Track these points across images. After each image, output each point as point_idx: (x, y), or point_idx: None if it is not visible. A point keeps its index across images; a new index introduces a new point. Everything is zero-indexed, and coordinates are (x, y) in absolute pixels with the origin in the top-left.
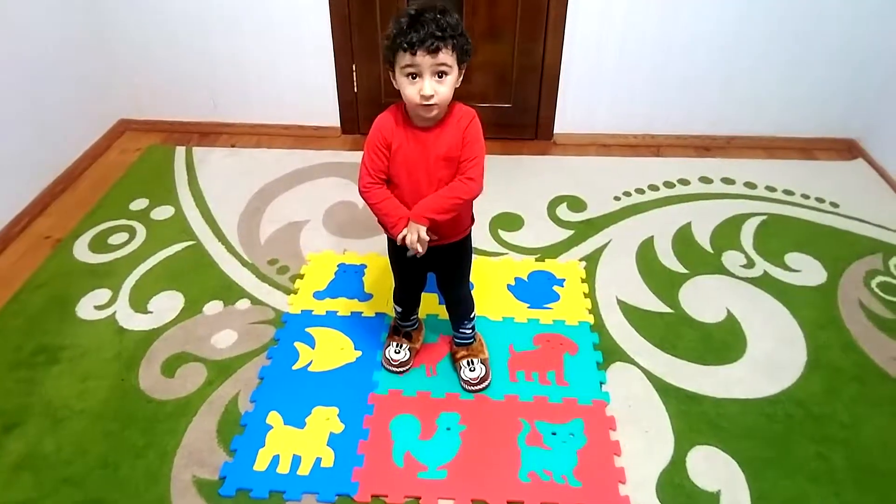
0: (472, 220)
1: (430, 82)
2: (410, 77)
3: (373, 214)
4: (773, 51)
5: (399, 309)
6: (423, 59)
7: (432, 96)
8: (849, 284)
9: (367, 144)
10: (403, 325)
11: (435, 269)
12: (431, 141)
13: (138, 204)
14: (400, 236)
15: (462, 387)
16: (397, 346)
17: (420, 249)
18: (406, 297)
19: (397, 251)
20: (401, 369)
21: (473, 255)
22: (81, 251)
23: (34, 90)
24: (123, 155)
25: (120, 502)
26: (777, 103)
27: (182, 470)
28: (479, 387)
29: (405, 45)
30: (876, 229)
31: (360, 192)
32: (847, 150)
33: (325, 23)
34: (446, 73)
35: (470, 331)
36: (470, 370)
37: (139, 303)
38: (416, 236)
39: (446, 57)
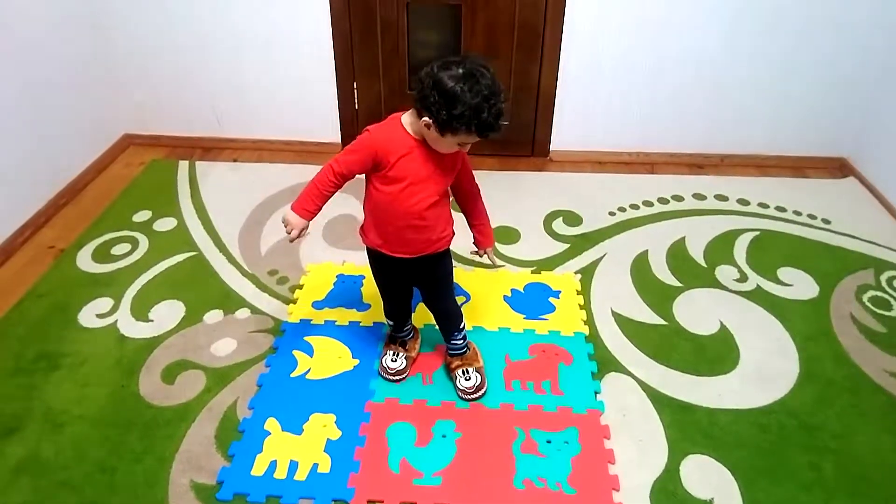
0: (453, 233)
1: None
2: (459, 143)
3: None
4: (764, 71)
5: (391, 322)
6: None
7: None
8: (841, 298)
9: (357, 144)
10: (399, 335)
11: (418, 284)
12: (437, 157)
13: (141, 216)
14: (292, 217)
15: (458, 395)
16: (394, 354)
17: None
18: (395, 310)
19: (380, 267)
20: (397, 377)
21: (470, 268)
22: (84, 261)
23: (40, 104)
24: (127, 168)
25: None
26: (769, 122)
27: (180, 475)
28: (474, 395)
29: (476, 130)
30: (867, 245)
31: (329, 167)
32: (838, 168)
33: (328, 41)
34: None
35: (461, 341)
36: (465, 379)
37: (140, 311)
38: (295, 232)
39: None
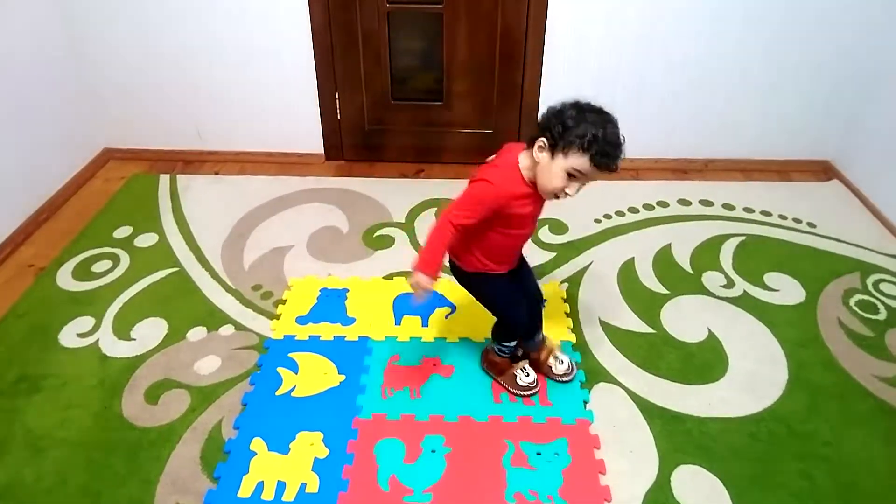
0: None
1: (580, 189)
2: (569, 175)
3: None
4: (748, 76)
5: (527, 340)
6: (595, 175)
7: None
8: (828, 303)
9: (480, 197)
10: (527, 346)
11: (520, 281)
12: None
13: (122, 232)
14: (424, 279)
15: (557, 381)
16: (523, 371)
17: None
18: (529, 320)
19: (505, 282)
20: (533, 391)
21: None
22: (65, 279)
23: (18, 119)
24: (107, 183)
25: None
26: (752, 127)
27: (165, 498)
28: (572, 376)
29: (598, 162)
30: (853, 249)
31: (449, 223)
32: (822, 171)
33: (309, 52)
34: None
35: (541, 336)
36: (560, 363)
37: (122, 330)
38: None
39: None
